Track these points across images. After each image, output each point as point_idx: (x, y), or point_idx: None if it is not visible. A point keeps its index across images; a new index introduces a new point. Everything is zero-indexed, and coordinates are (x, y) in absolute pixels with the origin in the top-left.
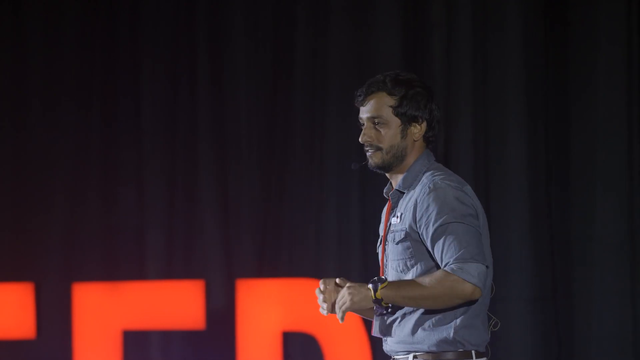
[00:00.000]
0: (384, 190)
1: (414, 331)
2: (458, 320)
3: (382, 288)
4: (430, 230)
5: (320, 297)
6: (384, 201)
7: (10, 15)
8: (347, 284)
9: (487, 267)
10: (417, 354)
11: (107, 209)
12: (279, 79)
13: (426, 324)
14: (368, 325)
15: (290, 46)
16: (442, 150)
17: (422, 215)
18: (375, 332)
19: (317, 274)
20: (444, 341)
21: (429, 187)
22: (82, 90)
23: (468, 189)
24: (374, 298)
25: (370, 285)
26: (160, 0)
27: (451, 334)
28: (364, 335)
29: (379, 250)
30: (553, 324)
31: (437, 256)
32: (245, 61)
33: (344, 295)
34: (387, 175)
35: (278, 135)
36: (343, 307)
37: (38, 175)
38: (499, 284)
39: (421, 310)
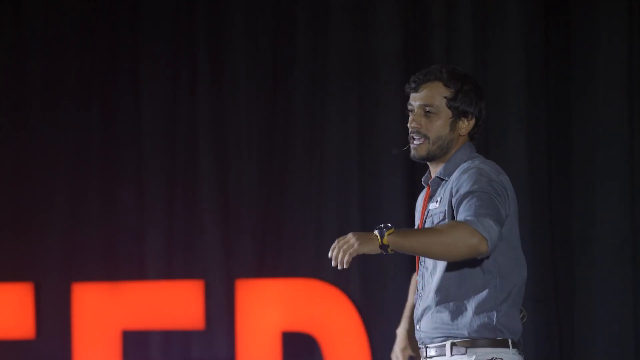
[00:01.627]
0: (423, 179)
1: (453, 317)
2: (501, 307)
3: (388, 234)
4: (459, 196)
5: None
6: (384, 201)
7: (10, 15)
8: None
9: (499, 230)
10: (455, 340)
11: (107, 209)
12: (278, 79)
13: (468, 310)
14: (368, 325)
15: (290, 46)
16: None
17: (455, 188)
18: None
19: (316, 274)
20: (486, 326)
21: (465, 167)
22: (82, 90)
23: (505, 177)
24: (380, 244)
25: (376, 232)
26: (160, 0)
27: (494, 320)
28: (364, 335)
29: None
30: (554, 323)
31: (458, 216)
32: (245, 61)
33: (349, 240)
34: (428, 164)
35: (278, 136)
36: (350, 250)
37: (38, 175)
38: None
39: (462, 296)
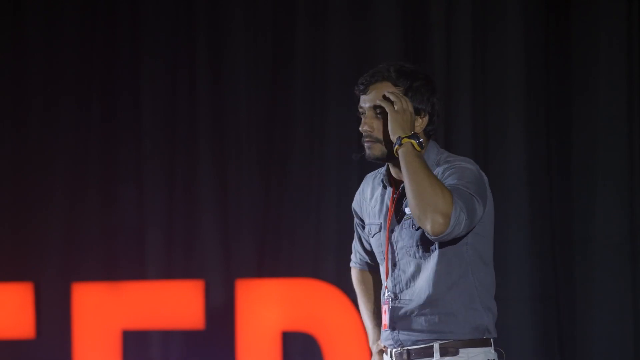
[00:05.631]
0: (382, 179)
1: (443, 319)
2: (489, 308)
3: (414, 142)
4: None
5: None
6: None
7: (10, 12)
8: None
9: (462, 229)
10: (443, 342)
11: (107, 208)
12: (278, 77)
13: (459, 312)
14: None
15: (290, 45)
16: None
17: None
18: (390, 325)
19: (316, 274)
20: (477, 328)
21: (446, 167)
22: (82, 88)
23: (486, 178)
24: (406, 137)
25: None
26: None
27: (484, 321)
28: (364, 335)
29: (379, 238)
30: (554, 323)
31: None
32: (245, 57)
33: (405, 102)
34: (388, 164)
35: (278, 135)
36: (399, 99)
37: (37, 173)
38: (499, 284)
39: (452, 299)
